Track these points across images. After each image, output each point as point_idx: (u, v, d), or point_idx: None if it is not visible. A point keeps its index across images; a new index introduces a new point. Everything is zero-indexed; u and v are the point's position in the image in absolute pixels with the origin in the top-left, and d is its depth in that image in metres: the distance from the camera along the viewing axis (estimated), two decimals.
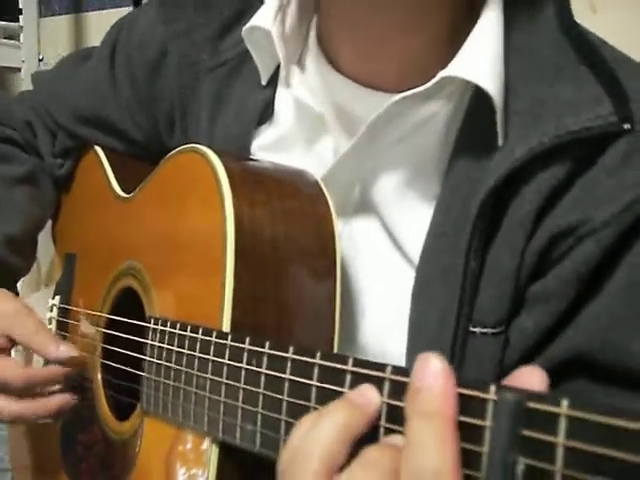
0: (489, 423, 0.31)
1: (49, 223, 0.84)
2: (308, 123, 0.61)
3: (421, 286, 0.54)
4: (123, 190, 0.72)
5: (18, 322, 0.67)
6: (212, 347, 0.50)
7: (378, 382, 0.36)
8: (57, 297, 0.79)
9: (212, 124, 0.66)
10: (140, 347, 0.60)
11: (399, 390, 0.35)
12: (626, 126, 0.49)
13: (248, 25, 0.60)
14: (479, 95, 0.52)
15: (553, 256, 0.52)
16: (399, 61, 0.56)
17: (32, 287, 0.87)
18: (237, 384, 0.47)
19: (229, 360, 0.48)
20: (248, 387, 0.46)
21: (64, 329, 0.77)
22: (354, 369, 0.38)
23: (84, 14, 1.90)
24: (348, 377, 0.38)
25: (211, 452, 0.51)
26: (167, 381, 0.55)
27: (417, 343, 0.55)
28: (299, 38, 0.62)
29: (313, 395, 0.41)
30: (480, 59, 0.52)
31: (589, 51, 0.52)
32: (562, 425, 0.28)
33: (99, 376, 0.68)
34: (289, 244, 0.54)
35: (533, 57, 0.53)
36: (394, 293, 0.57)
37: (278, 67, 0.63)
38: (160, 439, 0.57)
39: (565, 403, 0.28)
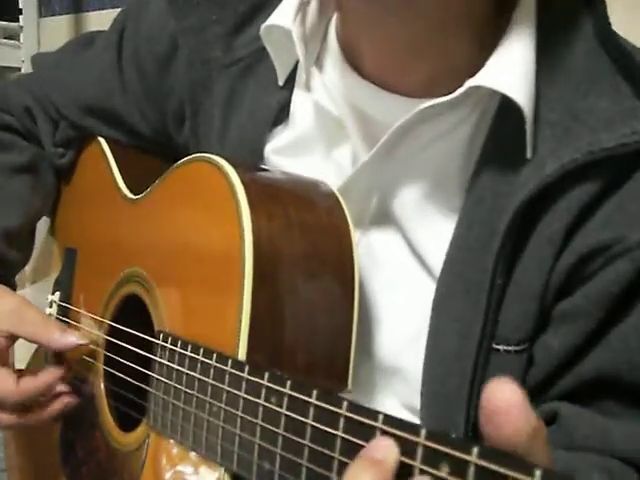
0: None
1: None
2: (327, 127, 0.59)
3: (442, 300, 0.53)
4: (128, 186, 0.70)
5: (21, 317, 0.65)
6: (227, 377, 0.48)
7: (411, 445, 0.35)
8: (57, 293, 0.77)
9: (225, 123, 0.64)
10: (146, 359, 0.58)
11: (431, 457, 0.34)
12: None
13: (267, 23, 0.58)
14: (507, 105, 0.50)
15: (582, 275, 0.51)
16: (426, 69, 0.54)
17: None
18: (254, 420, 0.46)
19: (246, 394, 0.47)
20: (267, 425, 0.45)
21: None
22: (384, 427, 0.37)
23: (84, 14, 1.88)
24: (377, 434, 0.37)
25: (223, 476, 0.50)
26: (177, 402, 0.54)
27: (435, 357, 0.54)
28: (318, 37, 0.59)
29: (338, 445, 0.39)
30: (510, 68, 0.50)
31: (626, 62, 0.50)
32: None
33: (102, 384, 0.66)
34: (307, 259, 0.53)
35: (567, 67, 0.51)
36: (413, 306, 0.56)
37: (295, 67, 0.61)
38: (167, 458, 0.56)
39: None
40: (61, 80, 0.75)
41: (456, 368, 0.53)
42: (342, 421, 0.39)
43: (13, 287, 0.75)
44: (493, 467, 0.32)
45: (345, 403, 0.39)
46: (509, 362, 0.52)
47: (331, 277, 0.54)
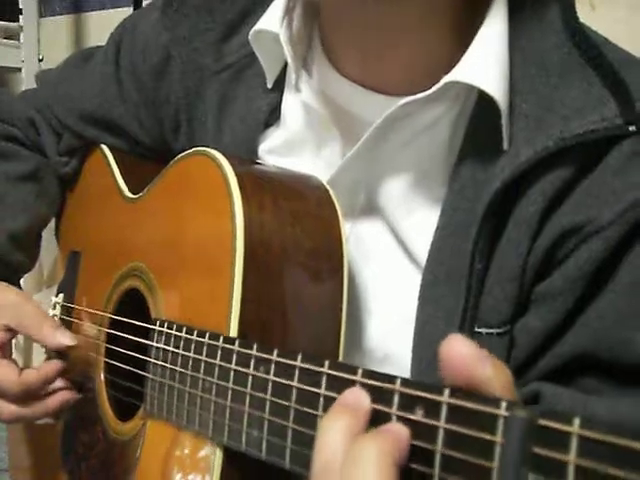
0: (499, 439, 0.31)
1: (52, 225, 0.84)
2: (315, 127, 0.62)
3: (427, 288, 0.55)
4: (130, 190, 0.72)
5: (20, 312, 0.68)
6: (219, 352, 0.50)
7: (388, 394, 0.37)
8: (60, 295, 0.79)
9: (219, 127, 0.67)
10: (144, 348, 0.60)
11: (407, 403, 0.36)
12: (631, 128, 0.50)
13: (255, 28, 0.60)
14: (484, 99, 0.53)
15: (558, 256, 0.53)
16: (403, 64, 0.56)
17: (34, 288, 0.87)
18: (244, 389, 0.47)
19: (236, 365, 0.48)
20: (255, 393, 0.46)
21: (67, 327, 0.77)
22: (363, 380, 0.38)
23: (84, 14, 1.91)
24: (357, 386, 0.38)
25: (215, 458, 0.51)
26: (172, 383, 0.55)
27: (423, 345, 0.55)
28: (304, 41, 0.62)
29: (321, 404, 0.41)
30: (485, 63, 0.53)
31: (594, 53, 0.53)
32: (573, 444, 0.29)
33: (102, 376, 0.68)
34: (297, 247, 0.55)
35: (538, 60, 0.53)
36: (400, 296, 0.58)
37: (283, 70, 0.64)
38: (162, 442, 0.57)
39: (577, 422, 0.29)
40: (64, 93, 0.79)
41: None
42: (324, 379, 0.41)
43: (18, 288, 0.77)
44: (464, 404, 0.33)
45: (327, 362, 0.41)
46: (491, 345, 0.54)
47: (320, 265, 0.56)
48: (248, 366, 0.47)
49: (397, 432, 0.35)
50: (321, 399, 0.41)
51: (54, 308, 0.79)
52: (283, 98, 0.64)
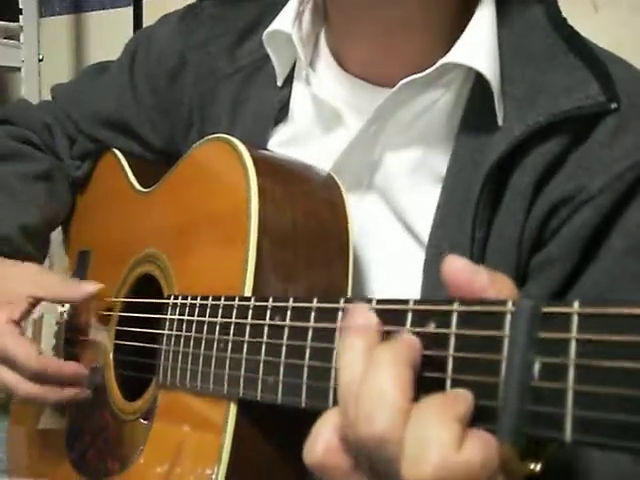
0: (507, 332, 0.34)
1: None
2: (324, 117, 0.66)
3: (431, 263, 0.59)
4: (141, 184, 0.76)
5: (41, 278, 0.73)
6: (235, 310, 0.53)
7: (402, 314, 0.40)
8: None
9: (231, 127, 0.71)
10: (157, 325, 0.63)
11: (419, 320, 0.39)
12: (613, 105, 0.55)
13: (269, 29, 0.66)
14: (479, 83, 0.58)
15: (553, 225, 0.57)
16: (407, 60, 0.62)
17: None
18: (260, 340, 0.50)
19: (252, 319, 0.51)
20: (271, 341, 0.49)
21: (75, 324, 0.79)
22: (378, 307, 0.41)
23: (84, 14, 1.92)
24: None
25: (228, 415, 0.53)
26: (186, 350, 0.58)
27: None
28: (311, 43, 0.68)
29: (336, 337, 0.44)
30: (477, 47, 0.58)
31: (576, 41, 0.59)
32: (574, 322, 0.32)
33: (110, 356, 0.70)
34: (307, 223, 0.58)
35: (526, 48, 0.59)
36: (405, 274, 0.61)
37: (292, 68, 0.69)
38: (174, 417, 0.59)
39: (576, 303, 0.32)
40: (79, 99, 0.84)
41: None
42: (340, 314, 0.44)
43: None
44: (473, 309, 0.36)
45: (343, 298, 0.44)
46: None
47: (328, 241, 0.59)
48: (264, 317, 0.50)
49: (409, 339, 0.38)
50: (336, 333, 0.44)
51: (62, 306, 0.81)
52: (291, 95, 0.69)
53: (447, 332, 0.37)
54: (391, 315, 0.40)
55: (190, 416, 0.58)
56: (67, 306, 0.82)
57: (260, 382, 0.50)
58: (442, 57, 0.59)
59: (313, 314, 0.46)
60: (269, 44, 0.67)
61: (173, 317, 0.60)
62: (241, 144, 0.60)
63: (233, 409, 0.53)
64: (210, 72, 0.73)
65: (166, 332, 0.61)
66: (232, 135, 0.70)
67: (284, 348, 0.48)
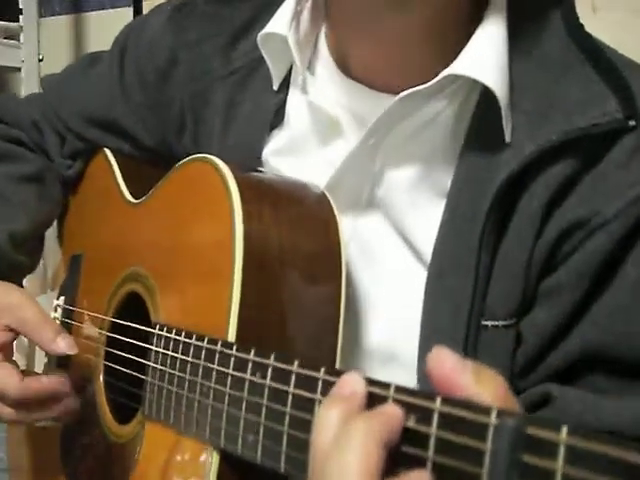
0: (489, 446, 0.32)
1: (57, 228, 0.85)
2: (321, 126, 0.63)
3: (434, 282, 0.56)
4: (132, 194, 0.73)
5: (22, 313, 0.66)
6: (217, 356, 0.51)
7: (382, 401, 0.37)
8: (62, 298, 0.80)
9: (225, 130, 0.68)
10: (144, 352, 0.61)
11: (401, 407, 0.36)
12: (631, 123, 0.51)
13: (264, 31, 0.62)
14: (486, 95, 0.54)
15: (564, 250, 0.54)
16: (406, 67, 0.58)
17: (38, 290, 0.88)
18: (240, 394, 0.48)
19: (233, 370, 0.49)
20: (252, 398, 0.47)
21: (68, 330, 0.77)
22: None
23: (84, 14, 1.90)
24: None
25: (211, 463, 0.51)
26: (170, 387, 0.56)
27: (430, 339, 0.56)
28: (310, 45, 0.64)
29: (316, 409, 0.41)
30: (483, 58, 0.54)
31: (594, 51, 0.55)
32: (561, 452, 0.29)
33: (101, 378, 0.69)
34: (295, 252, 0.56)
35: (539, 58, 0.55)
36: (405, 292, 0.58)
37: (289, 72, 0.65)
38: (160, 446, 0.58)
39: (565, 430, 0.29)
40: (68, 95, 0.80)
41: (449, 347, 0.54)
42: (320, 385, 0.41)
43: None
44: (455, 412, 0.34)
45: (323, 368, 0.41)
46: (498, 338, 0.55)
47: (318, 270, 0.57)
48: (245, 371, 0.48)
49: (389, 413, 0.35)
50: (317, 404, 0.41)
51: (55, 311, 0.80)
52: (288, 99, 0.65)
53: (427, 432, 0.35)
54: (371, 400, 0.38)
55: (175, 452, 0.56)
56: (62, 299, 0.81)
57: (240, 439, 0.48)
58: (446, 66, 0.55)
59: (293, 378, 0.43)
60: (264, 47, 0.63)
61: (159, 350, 0.58)
62: (227, 168, 0.56)
63: (216, 457, 0.51)
64: (203, 73, 0.69)
65: (152, 364, 0.59)
66: (225, 142, 0.67)
67: (264, 409, 0.46)
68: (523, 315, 0.55)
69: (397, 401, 0.37)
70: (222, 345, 0.51)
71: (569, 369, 0.55)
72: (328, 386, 0.41)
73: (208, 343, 0.52)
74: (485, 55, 0.54)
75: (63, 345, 0.65)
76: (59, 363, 0.74)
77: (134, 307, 0.65)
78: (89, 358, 0.71)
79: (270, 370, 0.45)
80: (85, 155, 0.81)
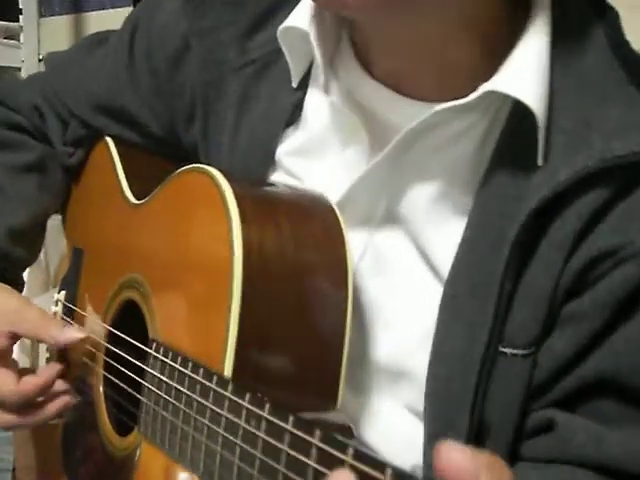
0: None
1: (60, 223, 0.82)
2: (342, 128, 0.59)
3: (450, 300, 0.54)
4: (133, 190, 0.70)
5: (23, 316, 0.66)
6: (211, 393, 0.48)
7: None
8: (62, 292, 0.78)
9: (238, 124, 0.64)
10: (141, 369, 0.59)
11: None
12: None
13: (284, 25, 0.58)
14: (520, 110, 0.51)
15: (590, 277, 0.52)
16: (437, 71, 0.54)
17: (41, 288, 0.86)
18: (234, 439, 0.46)
19: (228, 412, 0.47)
20: (245, 446, 0.45)
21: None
22: (353, 463, 0.36)
23: (84, 14, 1.89)
24: (346, 467, 0.37)
25: None
26: (165, 414, 0.54)
27: (440, 358, 0.54)
28: (332, 41, 0.60)
29: (310, 474, 0.39)
30: (524, 75, 0.51)
31: (638, 72, 0.51)
32: None
33: (101, 388, 0.67)
34: (297, 277, 0.53)
35: (580, 76, 0.52)
36: (420, 308, 0.56)
37: (309, 69, 0.61)
38: (156, 465, 0.57)
39: None
40: (73, 78, 0.76)
41: (461, 370, 0.53)
42: (315, 450, 0.39)
43: (19, 283, 0.76)
44: None
45: (318, 433, 0.39)
46: (515, 366, 0.53)
47: (323, 296, 0.54)
48: (240, 416, 0.45)
49: None
50: (310, 470, 0.39)
51: (56, 305, 0.78)
52: (306, 98, 0.61)
53: None
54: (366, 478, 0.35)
55: (171, 474, 0.55)
56: (62, 294, 0.79)
57: None
58: (484, 71, 0.51)
59: (287, 437, 0.41)
60: (284, 41, 0.59)
61: (155, 373, 0.56)
62: (227, 184, 0.53)
63: None
64: (217, 62, 0.65)
65: (147, 385, 0.57)
66: (236, 138, 0.64)
67: (257, 461, 0.43)
68: (542, 343, 0.53)
69: None
70: (217, 383, 0.48)
71: (580, 394, 0.54)
72: (322, 454, 0.38)
73: (203, 377, 0.50)
74: (526, 71, 0.51)
75: (71, 333, 0.65)
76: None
77: (132, 315, 0.63)
78: (88, 363, 0.69)
79: (264, 422, 0.43)
80: (88, 142, 0.78)
